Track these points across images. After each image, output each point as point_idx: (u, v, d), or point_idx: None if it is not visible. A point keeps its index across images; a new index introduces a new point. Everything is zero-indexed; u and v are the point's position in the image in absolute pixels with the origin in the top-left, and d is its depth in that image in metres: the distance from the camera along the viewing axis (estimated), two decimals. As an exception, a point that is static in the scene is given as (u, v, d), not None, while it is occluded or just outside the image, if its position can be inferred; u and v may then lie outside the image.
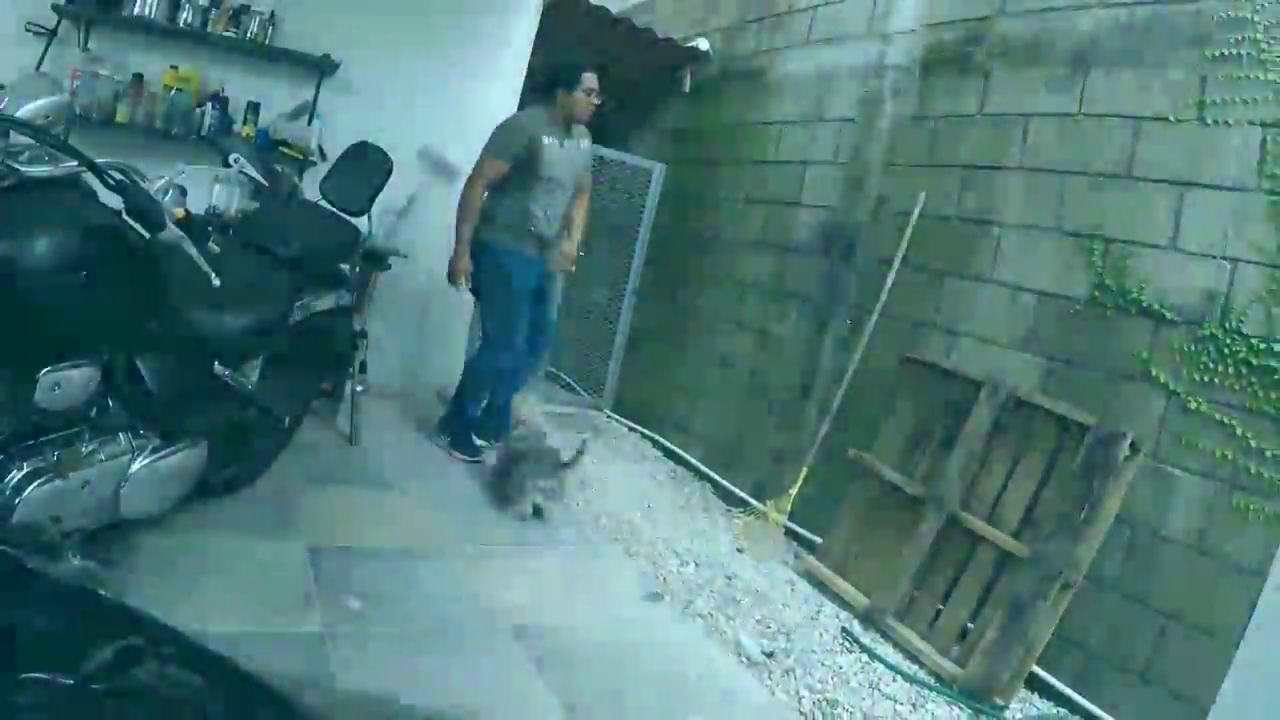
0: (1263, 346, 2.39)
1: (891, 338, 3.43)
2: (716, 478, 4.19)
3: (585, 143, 3.73)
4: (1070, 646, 2.64)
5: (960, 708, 2.50)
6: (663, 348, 4.95)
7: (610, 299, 5.24)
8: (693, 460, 4.40)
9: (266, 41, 3.84)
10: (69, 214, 1.67)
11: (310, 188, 3.25)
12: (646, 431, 4.84)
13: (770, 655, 2.57)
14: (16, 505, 1.64)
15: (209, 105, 3.74)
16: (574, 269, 3.90)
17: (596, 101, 3.60)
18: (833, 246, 3.85)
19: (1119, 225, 2.76)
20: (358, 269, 3.06)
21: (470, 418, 3.75)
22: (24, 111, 1.65)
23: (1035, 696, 2.64)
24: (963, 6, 3.43)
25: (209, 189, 3.31)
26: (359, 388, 3.52)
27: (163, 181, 1.96)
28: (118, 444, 1.92)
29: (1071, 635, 2.62)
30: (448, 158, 3.83)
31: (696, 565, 3.13)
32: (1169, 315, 2.59)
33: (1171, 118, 2.66)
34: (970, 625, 2.72)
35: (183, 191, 3.15)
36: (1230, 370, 2.45)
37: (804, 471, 3.54)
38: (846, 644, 2.76)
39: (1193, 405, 2.51)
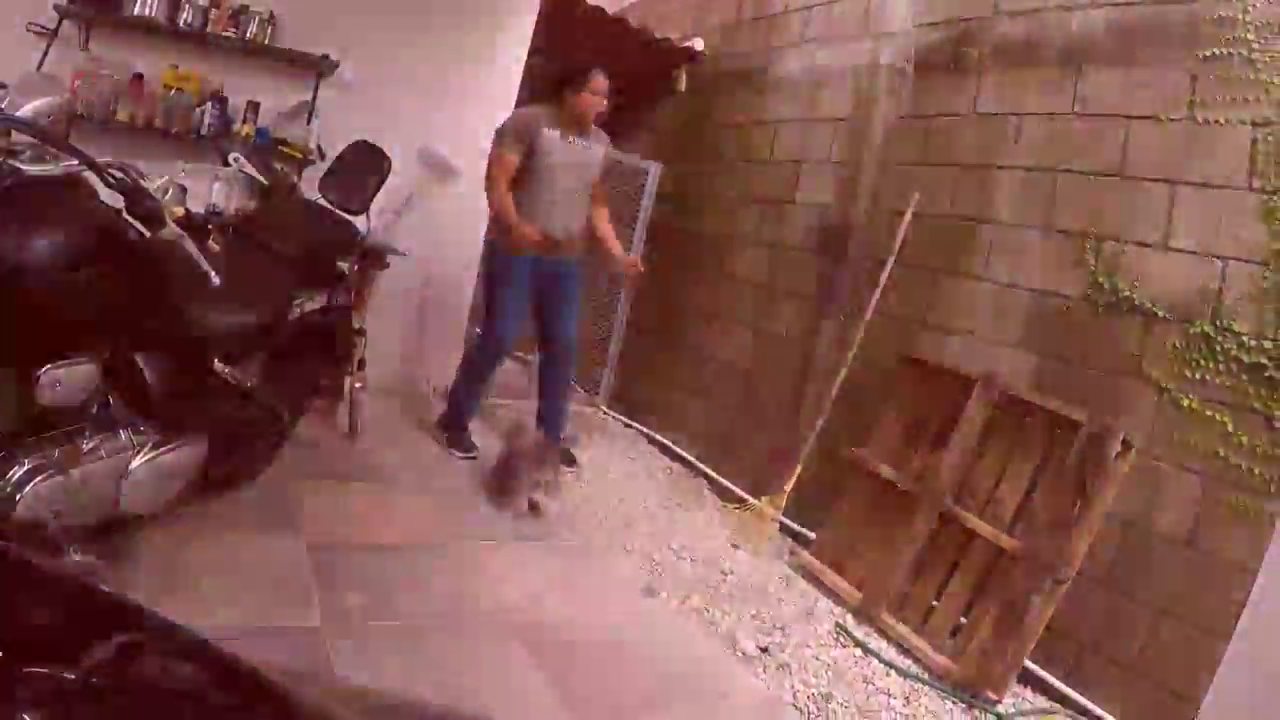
0: (1253, 344, 2.41)
1: (886, 335, 3.45)
2: (712, 474, 4.21)
3: (598, 145, 3.72)
4: (1063, 641, 2.66)
5: (954, 702, 2.52)
6: (659, 345, 4.97)
7: (607, 297, 5.25)
8: (689, 456, 4.43)
9: (266, 41, 3.85)
10: (70, 212, 1.69)
11: (309, 187, 3.26)
12: (643, 428, 4.86)
13: (765, 650, 2.59)
14: (18, 501, 1.65)
15: (209, 105, 3.75)
16: (641, 268, 3.83)
17: (604, 103, 3.58)
18: (827, 245, 3.87)
19: (1111, 224, 2.78)
20: (356, 267, 3.07)
21: (464, 414, 3.76)
22: (25, 111, 1.66)
23: (1028, 691, 2.66)
24: (956, 6, 3.45)
25: (209, 188, 3.33)
26: (358, 384, 3.53)
27: (163, 180, 1.97)
28: (118, 441, 1.92)
29: (1064, 630, 2.64)
30: (446, 157, 3.84)
31: (692, 561, 3.15)
32: (1161, 313, 2.61)
33: (1163, 117, 2.68)
34: (964, 620, 2.74)
35: (183, 190, 3.17)
36: (1221, 367, 2.47)
37: (799, 468, 3.57)
38: (841, 639, 2.78)
39: (1184, 402, 2.53)
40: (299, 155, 3.85)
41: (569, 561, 2.99)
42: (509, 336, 3.67)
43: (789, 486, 3.56)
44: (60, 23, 3.48)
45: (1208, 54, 2.59)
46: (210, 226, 2.82)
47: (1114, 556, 2.62)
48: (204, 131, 3.72)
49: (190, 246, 1.80)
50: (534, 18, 4.44)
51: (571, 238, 3.69)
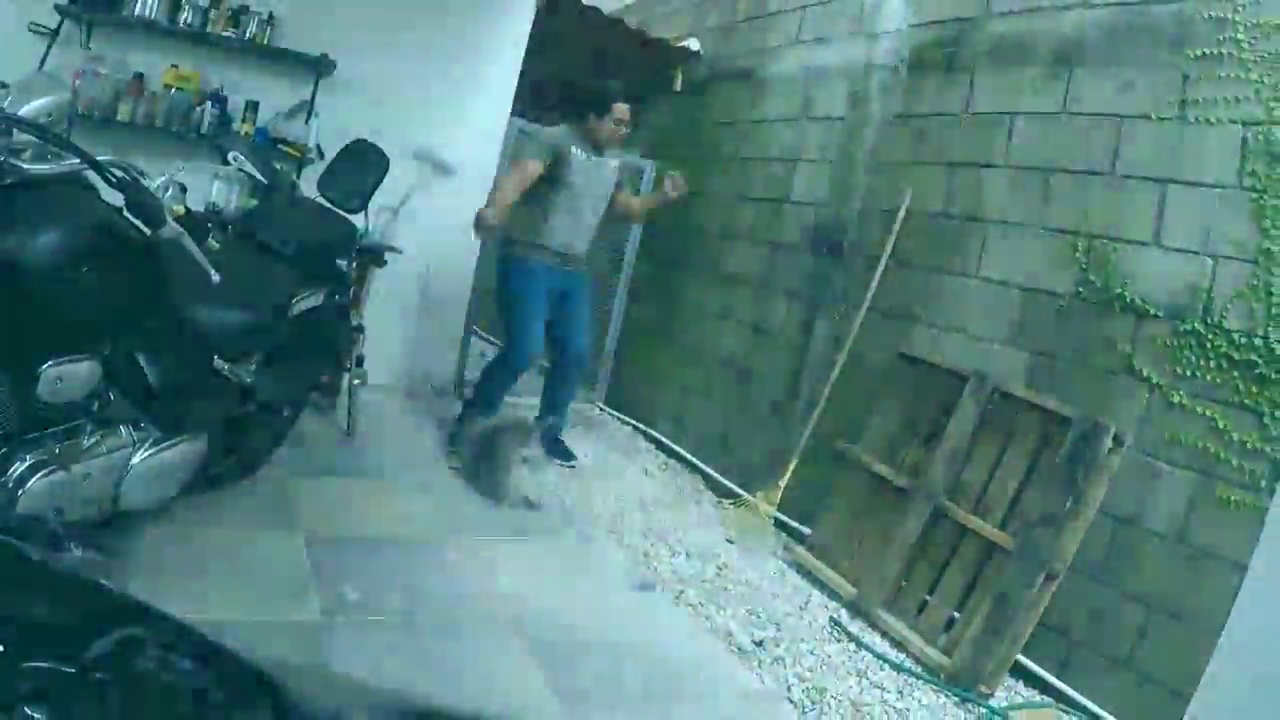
0: (1243, 341, 2.42)
1: (879, 332, 3.47)
2: (707, 470, 4.23)
3: (614, 162, 3.83)
4: (1055, 635, 2.67)
5: (946, 696, 2.54)
6: (655, 342, 4.99)
7: (603, 294, 5.27)
8: (684, 453, 4.45)
9: (265, 41, 3.88)
10: (71, 210, 1.70)
11: (308, 185, 3.28)
12: (639, 424, 4.89)
13: (760, 644, 2.61)
14: (20, 497, 1.67)
15: (208, 104, 3.77)
16: (682, 183, 3.79)
17: (625, 132, 3.72)
18: (822, 243, 3.89)
19: (1103, 222, 2.80)
20: (355, 265, 3.09)
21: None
22: (27, 110, 1.67)
23: (1020, 684, 2.68)
24: (949, 7, 3.47)
25: (208, 186, 3.35)
26: (356, 381, 3.56)
27: (163, 179, 2.00)
28: (119, 437, 1.95)
29: (1056, 624, 2.66)
30: (443, 156, 3.87)
31: (687, 556, 3.17)
32: (1152, 310, 2.63)
33: (1154, 116, 2.69)
34: (956, 615, 2.75)
35: (183, 188, 3.19)
36: (1212, 364, 2.48)
37: (793, 464, 3.59)
38: (835, 633, 2.80)
39: (1175, 399, 2.54)
40: (298, 154, 3.88)
41: (565, 557, 3.01)
42: (531, 352, 3.73)
43: (784, 482, 3.59)
44: (61, 22, 3.50)
45: (1199, 54, 2.60)
46: (210, 225, 2.84)
47: (1105, 551, 2.64)
48: (204, 130, 3.75)
49: (190, 244, 1.82)
50: (531, 17, 4.46)
51: (579, 254, 3.80)
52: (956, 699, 2.53)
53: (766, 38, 4.55)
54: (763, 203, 4.35)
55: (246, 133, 3.82)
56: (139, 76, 3.65)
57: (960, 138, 3.32)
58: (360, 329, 3.42)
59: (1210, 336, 2.49)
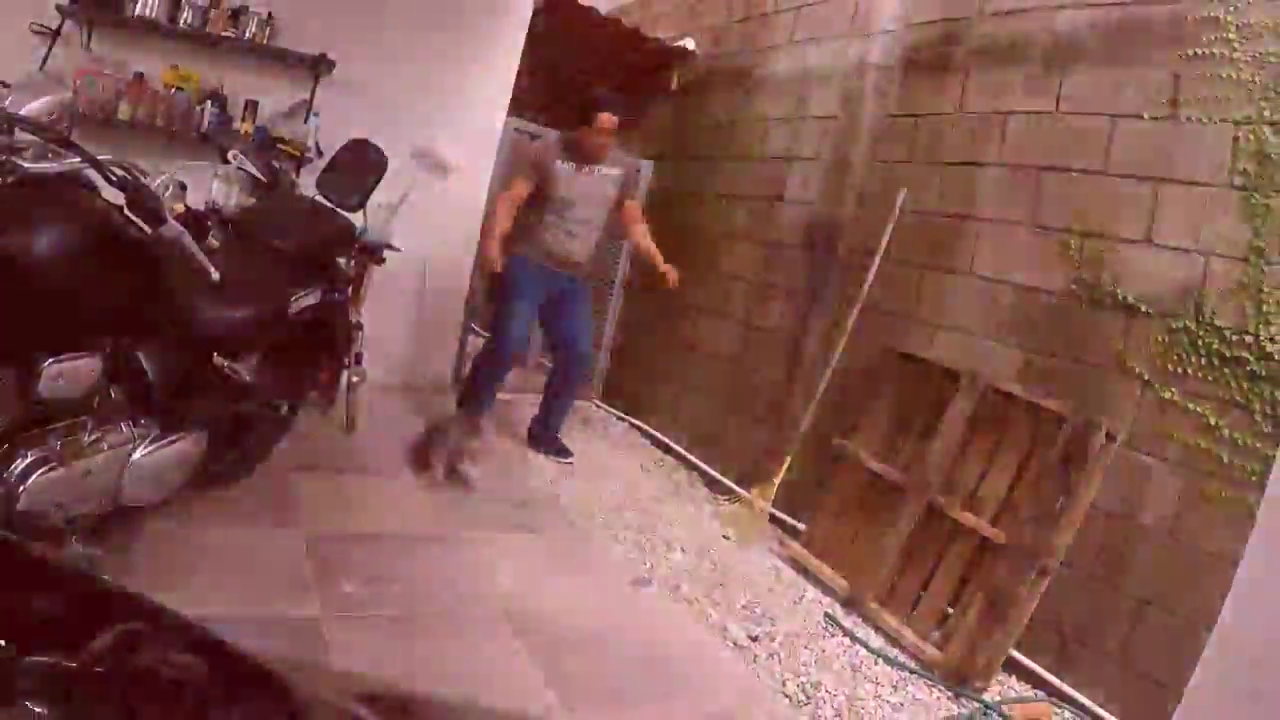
0: (1235, 338, 2.43)
1: (873, 330, 3.49)
2: (703, 466, 4.26)
3: (615, 170, 3.85)
4: (1048, 630, 2.69)
5: (940, 690, 2.56)
6: (650, 339, 5.01)
7: (599, 292, 5.28)
8: (679, 449, 4.47)
9: (264, 41, 3.89)
10: (72, 209, 1.72)
11: (307, 184, 3.30)
12: (634, 421, 4.91)
13: (755, 639, 2.63)
14: (21, 493, 1.68)
15: (208, 103, 3.79)
16: (677, 277, 3.90)
17: (608, 141, 3.72)
18: (816, 241, 3.91)
19: (1095, 220, 2.81)
20: (353, 262, 3.11)
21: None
22: (28, 109, 1.69)
23: (1013, 679, 2.69)
24: (942, 7, 3.49)
25: (208, 185, 3.35)
26: (355, 378, 3.56)
27: (163, 178, 2.01)
28: (119, 433, 1.95)
29: (1049, 619, 2.68)
30: (441, 155, 3.88)
31: (683, 551, 3.19)
32: (1144, 308, 2.65)
33: (1146, 115, 2.71)
34: (950, 610, 2.78)
35: (182, 187, 3.19)
36: (1203, 361, 2.50)
37: (788, 460, 3.61)
38: (829, 628, 2.82)
39: (1167, 396, 2.56)
40: (297, 153, 3.89)
41: (562, 553, 3.03)
42: (513, 348, 3.82)
43: (779, 478, 3.61)
44: (62, 23, 3.52)
45: (1191, 53, 2.62)
46: (210, 223, 2.86)
47: (1098, 547, 2.65)
48: (204, 130, 3.76)
49: (190, 243, 1.83)
50: (529, 17, 4.48)
51: (577, 262, 3.86)
52: (950, 693, 2.55)
53: (761, 38, 4.57)
54: (757, 202, 4.37)
55: (246, 132, 3.84)
56: (139, 76, 3.66)
57: (954, 137, 3.34)
58: (359, 326, 3.43)
59: (1202, 334, 2.51)
